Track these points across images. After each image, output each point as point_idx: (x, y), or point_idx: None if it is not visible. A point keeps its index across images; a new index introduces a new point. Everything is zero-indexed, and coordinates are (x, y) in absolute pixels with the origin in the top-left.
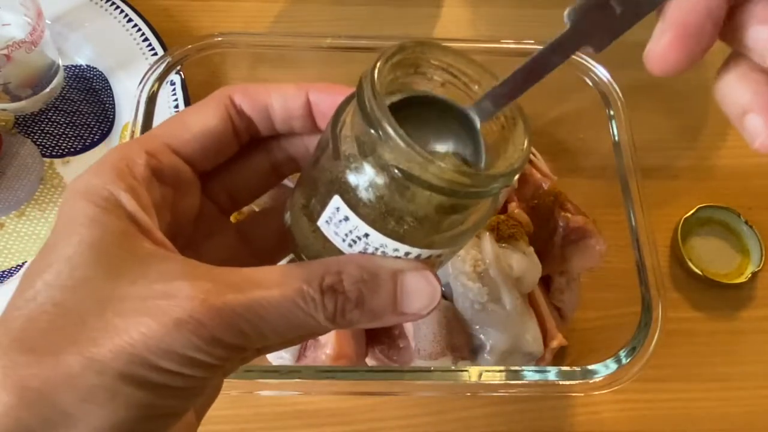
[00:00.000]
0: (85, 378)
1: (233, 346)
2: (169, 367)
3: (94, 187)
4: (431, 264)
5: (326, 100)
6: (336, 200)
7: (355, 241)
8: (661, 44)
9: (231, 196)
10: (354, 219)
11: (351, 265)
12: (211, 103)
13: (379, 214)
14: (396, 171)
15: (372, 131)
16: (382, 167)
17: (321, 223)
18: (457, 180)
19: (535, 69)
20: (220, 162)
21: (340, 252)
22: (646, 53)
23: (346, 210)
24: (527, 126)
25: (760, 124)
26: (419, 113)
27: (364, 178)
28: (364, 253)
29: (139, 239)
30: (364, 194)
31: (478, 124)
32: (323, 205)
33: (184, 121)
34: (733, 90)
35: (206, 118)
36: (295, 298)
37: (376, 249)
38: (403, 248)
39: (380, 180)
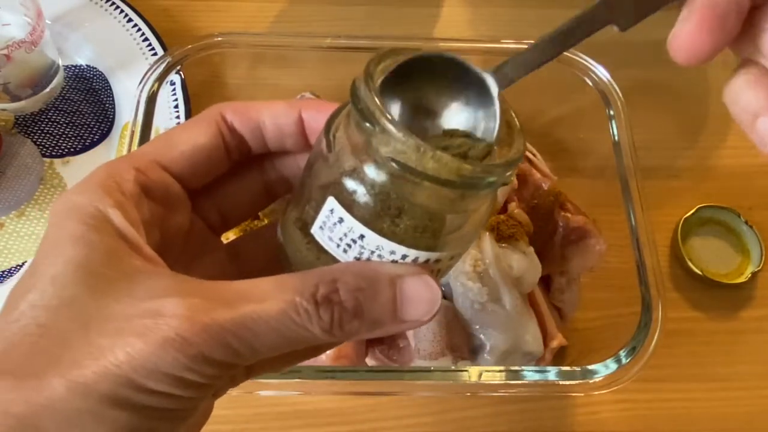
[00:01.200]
0: (69, 402)
1: (223, 363)
2: (157, 388)
3: (81, 204)
4: (429, 270)
5: (318, 117)
6: (330, 202)
7: (350, 245)
8: (688, 28)
9: (222, 214)
10: (349, 220)
11: (347, 273)
12: (202, 119)
13: (374, 214)
14: (392, 163)
15: (367, 124)
16: (376, 162)
17: (315, 230)
18: (454, 168)
19: (558, 41)
20: (210, 179)
21: (335, 262)
22: (671, 38)
23: (340, 211)
24: (521, 127)
25: None
26: (431, 77)
27: (358, 176)
28: (359, 258)
29: (128, 256)
30: (359, 192)
31: (496, 91)
32: (317, 211)
33: (173, 137)
34: (745, 94)
35: (196, 134)
36: (288, 310)
37: (372, 252)
38: (400, 250)
39: (375, 176)
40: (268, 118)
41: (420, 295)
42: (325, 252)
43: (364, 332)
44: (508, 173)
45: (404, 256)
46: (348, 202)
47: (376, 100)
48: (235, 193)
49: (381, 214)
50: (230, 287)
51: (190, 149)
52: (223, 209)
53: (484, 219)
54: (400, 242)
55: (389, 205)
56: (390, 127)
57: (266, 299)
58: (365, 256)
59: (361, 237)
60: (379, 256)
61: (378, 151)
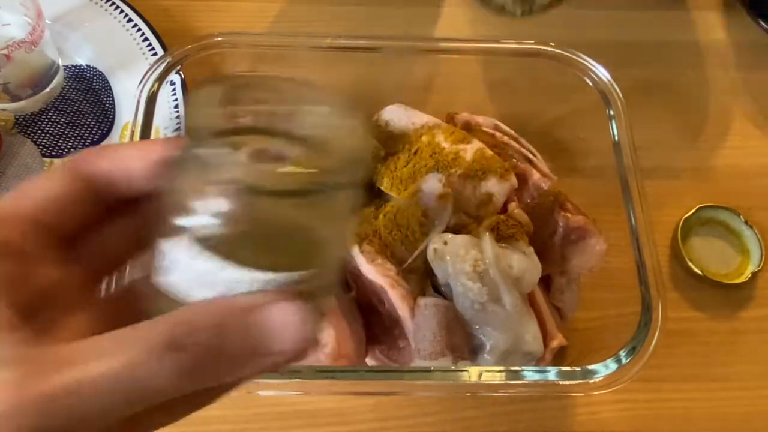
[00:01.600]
0: None
1: None
2: None
3: None
4: (294, 293)
5: (164, 160)
6: (178, 244)
7: (203, 283)
8: None
9: (101, 262)
10: (200, 258)
11: (198, 314)
12: (57, 169)
13: (222, 243)
14: (231, 186)
15: (199, 152)
16: (217, 189)
17: (169, 276)
18: (288, 177)
19: None
20: (77, 227)
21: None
22: None
23: (191, 251)
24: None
25: None
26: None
27: (200, 210)
28: (214, 295)
29: None
30: (205, 225)
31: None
32: (166, 257)
33: (28, 190)
34: None
35: (50, 184)
36: (132, 366)
37: (229, 286)
38: (256, 276)
39: (217, 205)
40: (116, 165)
41: (281, 322)
42: (179, 297)
43: (227, 374)
44: (344, 177)
45: (264, 282)
46: (197, 237)
47: (207, 131)
48: (107, 239)
49: (230, 242)
50: (69, 349)
51: (45, 197)
52: (100, 256)
53: (346, 232)
54: (255, 267)
55: (237, 230)
56: (220, 150)
57: (104, 357)
58: (219, 290)
59: (212, 272)
60: (235, 285)
61: (215, 179)
